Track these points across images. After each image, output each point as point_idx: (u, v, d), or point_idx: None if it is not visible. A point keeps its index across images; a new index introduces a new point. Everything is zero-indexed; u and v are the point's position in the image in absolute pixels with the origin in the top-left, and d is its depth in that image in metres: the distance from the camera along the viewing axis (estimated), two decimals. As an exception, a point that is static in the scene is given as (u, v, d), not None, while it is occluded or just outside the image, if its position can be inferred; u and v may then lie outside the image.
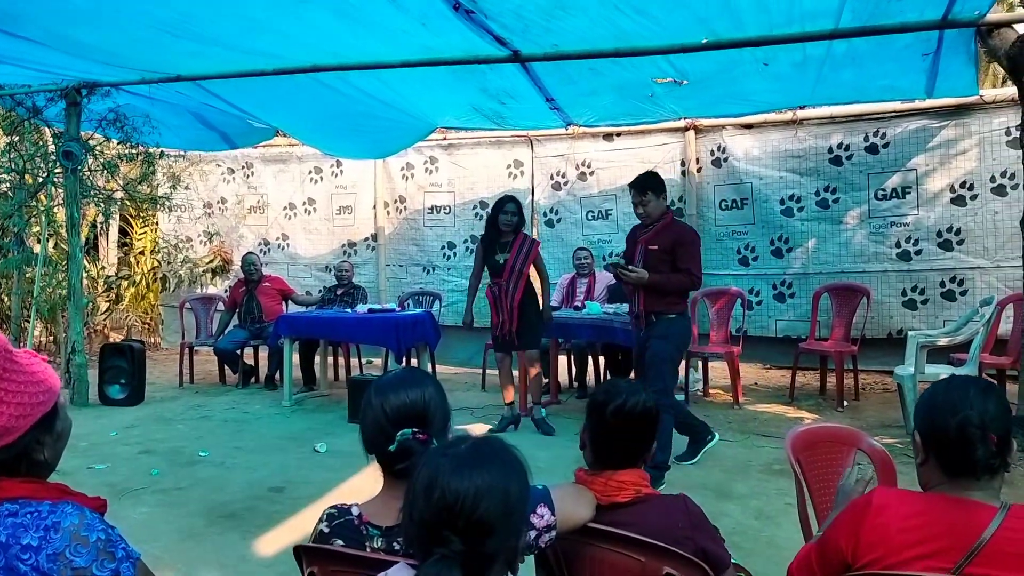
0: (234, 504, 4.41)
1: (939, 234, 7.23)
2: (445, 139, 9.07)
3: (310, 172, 9.90)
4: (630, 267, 4.88)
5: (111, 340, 9.49)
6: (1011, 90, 6.56)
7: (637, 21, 4.74)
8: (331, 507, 1.73)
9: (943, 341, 5.66)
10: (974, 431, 1.62)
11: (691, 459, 5.06)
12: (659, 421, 1.93)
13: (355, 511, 1.70)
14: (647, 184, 4.91)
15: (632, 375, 5.89)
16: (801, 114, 7.59)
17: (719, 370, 7.55)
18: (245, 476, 4.96)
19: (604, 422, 1.89)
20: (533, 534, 1.65)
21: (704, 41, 5.09)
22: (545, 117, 7.33)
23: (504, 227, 5.89)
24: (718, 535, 1.87)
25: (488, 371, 7.75)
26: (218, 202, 10.31)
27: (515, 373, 6.18)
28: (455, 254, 9.27)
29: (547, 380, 7.03)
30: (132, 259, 11.09)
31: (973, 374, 5.39)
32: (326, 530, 1.69)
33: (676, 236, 4.85)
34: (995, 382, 5.74)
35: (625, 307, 6.25)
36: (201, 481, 4.87)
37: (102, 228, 11.11)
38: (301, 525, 4.04)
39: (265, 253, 9.90)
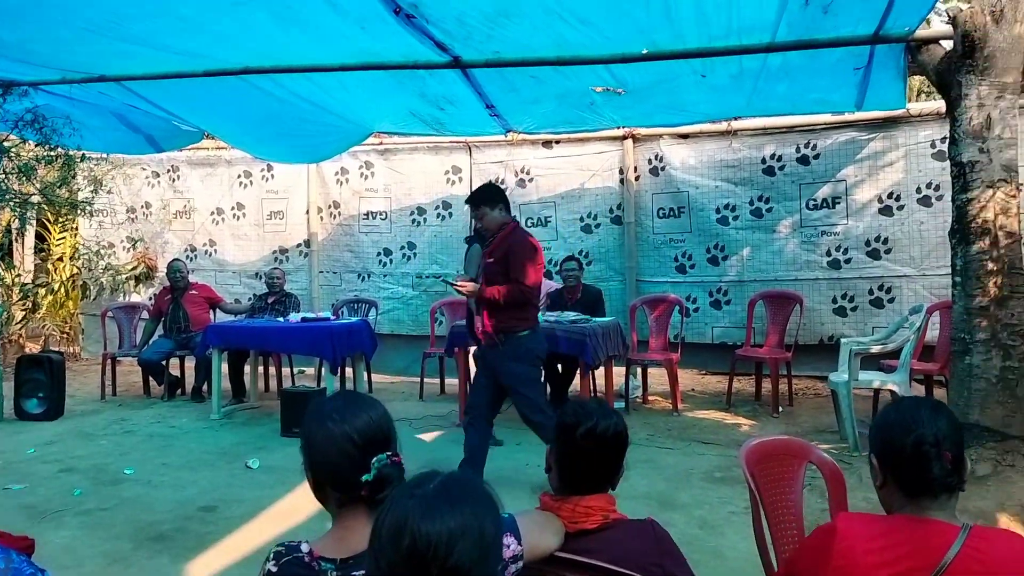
0: (163, 525, 4.22)
1: (867, 243, 7.43)
2: (381, 144, 8.93)
3: (239, 176, 9.63)
4: (459, 281, 4.88)
5: (27, 351, 9.07)
6: (936, 104, 6.80)
7: (580, 31, 4.72)
8: (278, 545, 1.61)
9: (875, 349, 5.80)
10: (929, 448, 1.65)
11: None
12: (628, 444, 1.88)
13: (304, 548, 1.57)
14: (478, 198, 4.83)
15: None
16: (736, 125, 7.71)
17: (657, 376, 7.60)
18: (174, 495, 4.76)
19: (573, 445, 1.82)
20: (499, 567, 1.57)
21: (644, 52, 5.11)
22: (485, 123, 7.25)
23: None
24: (683, 558, 1.83)
25: (427, 380, 7.64)
26: (142, 207, 9.97)
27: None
28: (391, 261, 9.12)
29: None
30: (50, 266, 10.61)
31: (904, 381, 5.55)
32: (274, 570, 1.56)
33: (508, 246, 4.70)
34: (943, 402, 5.90)
35: (568, 315, 6.23)
36: (127, 501, 4.66)
37: (17, 234, 10.60)
38: (235, 547, 3.88)
39: (192, 260, 9.60)
